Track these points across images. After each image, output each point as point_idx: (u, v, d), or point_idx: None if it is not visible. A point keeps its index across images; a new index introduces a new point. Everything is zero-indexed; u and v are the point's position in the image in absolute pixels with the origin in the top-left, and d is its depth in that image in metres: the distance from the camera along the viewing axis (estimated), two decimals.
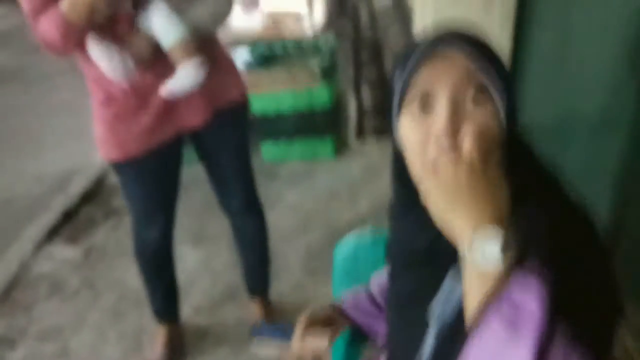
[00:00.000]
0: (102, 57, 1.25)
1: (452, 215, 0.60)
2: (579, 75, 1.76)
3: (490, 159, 0.65)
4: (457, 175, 0.62)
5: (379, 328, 1.04)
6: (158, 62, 1.32)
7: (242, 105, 1.56)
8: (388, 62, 4.36)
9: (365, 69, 4.67)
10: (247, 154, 1.64)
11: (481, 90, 0.67)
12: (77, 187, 2.85)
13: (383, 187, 2.61)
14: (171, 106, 1.39)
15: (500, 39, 2.38)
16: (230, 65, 1.54)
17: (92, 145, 3.07)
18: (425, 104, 0.68)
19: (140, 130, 1.40)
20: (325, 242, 2.28)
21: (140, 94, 1.36)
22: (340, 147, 3.01)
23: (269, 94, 2.78)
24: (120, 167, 1.47)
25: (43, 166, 3.18)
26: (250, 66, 2.86)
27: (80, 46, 1.27)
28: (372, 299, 1.07)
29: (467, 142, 0.64)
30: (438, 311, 0.71)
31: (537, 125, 1.87)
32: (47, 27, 1.22)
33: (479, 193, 0.60)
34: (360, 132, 3.28)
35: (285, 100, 2.79)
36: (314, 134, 2.89)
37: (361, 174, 2.78)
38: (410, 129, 0.70)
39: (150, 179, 1.50)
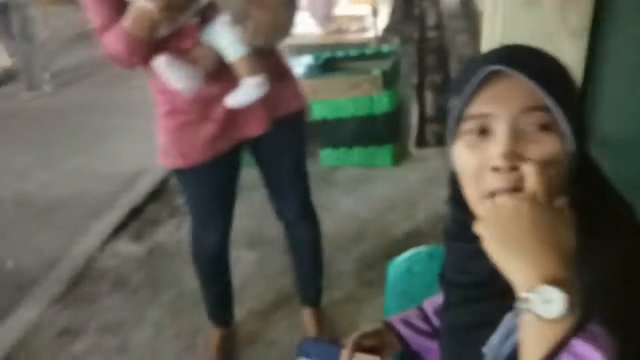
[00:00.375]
0: (169, 71, 1.29)
1: (510, 257, 0.55)
2: None
3: (555, 192, 0.59)
4: (518, 211, 0.56)
5: (431, 347, 1.00)
6: (221, 73, 1.34)
7: (301, 115, 1.57)
8: (454, 68, 4.25)
9: (429, 75, 4.57)
10: (303, 162, 1.64)
11: (545, 115, 0.62)
12: (144, 185, 2.97)
13: (441, 198, 2.54)
14: (233, 117, 1.41)
15: (575, 50, 2.26)
16: (290, 75, 1.55)
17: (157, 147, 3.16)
18: (483, 129, 0.64)
19: (203, 141, 1.43)
20: (381, 252, 2.25)
21: (203, 106, 1.40)
22: (400, 155, 2.96)
23: (330, 101, 2.78)
24: (182, 174, 1.52)
25: (113, 165, 3.35)
26: (312, 73, 2.88)
27: (146, 60, 1.31)
28: (425, 316, 1.04)
29: (530, 172, 0.59)
30: (494, 350, 0.67)
31: (612, 140, 1.76)
32: (113, 42, 1.27)
33: (543, 233, 0.55)
34: (421, 140, 3.22)
35: (346, 107, 2.78)
36: (373, 141, 2.86)
37: (420, 183, 2.72)
38: (466, 155, 0.66)
39: (210, 186, 1.54)
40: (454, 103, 0.68)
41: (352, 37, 3.31)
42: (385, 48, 3.04)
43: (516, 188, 0.60)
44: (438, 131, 3.55)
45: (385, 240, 2.34)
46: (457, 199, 0.73)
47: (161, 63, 1.28)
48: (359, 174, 2.86)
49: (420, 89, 4.05)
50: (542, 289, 0.52)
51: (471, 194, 0.67)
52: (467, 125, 0.66)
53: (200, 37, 1.32)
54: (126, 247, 2.53)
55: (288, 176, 1.62)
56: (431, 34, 5.65)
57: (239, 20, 1.29)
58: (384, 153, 2.88)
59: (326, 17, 1.26)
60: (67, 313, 2.14)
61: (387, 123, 2.83)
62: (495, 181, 0.62)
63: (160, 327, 2.03)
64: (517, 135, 0.62)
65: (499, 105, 0.63)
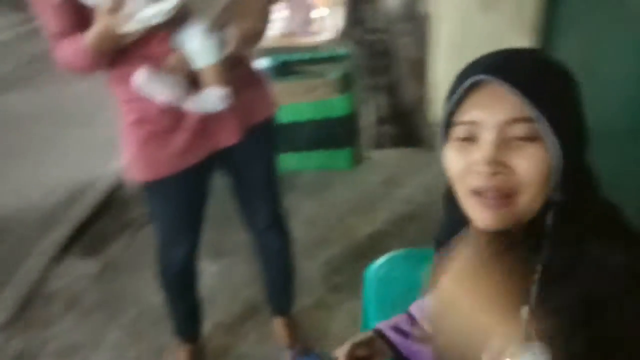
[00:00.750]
0: (152, 83, 1.20)
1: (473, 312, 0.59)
2: (606, 89, 1.71)
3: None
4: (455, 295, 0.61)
5: (422, 351, 0.99)
6: (196, 80, 1.28)
7: (272, 122, 1.52)
8: (400, 70, 4.32)
9: (378, 77, 4.62)
10: (275, 170, 1.60)
11: (530, 125, 0.63)
12: (92, 198, 2.81)
13: (402, 198, 2.57)
14: (205, 126, 1.34)
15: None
16: (261, 81, 1.50)
17: (104, 156, 3.03)
18: (471, 136, 0.67)
19: (174, 151, 1.35)
20: (347, 256, 2.23)
21: (174, 114, 1.31)
22: (358, 157, 2.96)
23: (288, 105, 2.73)
24: (150, 187, 1.42)
25: (56, 176, 3.14)
26: (268, 76, 2.83)
27: (107, 67, 1.23)
28: (413, 321, 1.03)
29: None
30: None
31: None
32: (70, 53, 1.20)
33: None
34: (377, 142, 3.24)
35: (304, 111, 2.75)
36: (332, 144, 2.85)
37: (379, 185, 2.73)
38: (454, 158, 0.70)
39: (181, 199, 1.46)
40: (445, 108, 0.71)
41: (305, 40, 3.29)
42: (339, 51, 3.04)
43: (498, 188, 0.64)
44: (392, 132, 3.59)
45: (349, 243, 2.32)
46: (449, 197, 0.76)
47: (142, 77, 1.20)
48: (318, 178, 2.84)
49: (371, 90, 4.09)
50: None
51: (459, 189, 0.71)
52: (456, 132, 0.69)
53: (171, 42, 1.24)
54: (77, 264, 2.39)
55: (261, 185, 1.57)
56: (377, 36, 5.73)
57: (216, 27, 1.23)
58: (342, 156, 2.88)
59: (306, 23, 1.24)
60: (18, 340, 1.98)
61: (344, 126, 2.83)
62: (479, 181, 0.66)
63: (120, 349, 1.91)
64: (502, 144, 0.64)
65: (485, 114, 0.66)
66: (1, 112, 4.38)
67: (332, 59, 3.00)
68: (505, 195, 0.65)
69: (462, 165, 0.68)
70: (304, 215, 2.53)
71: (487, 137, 0.65)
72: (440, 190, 0.81)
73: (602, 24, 1.81)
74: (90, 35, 1.16)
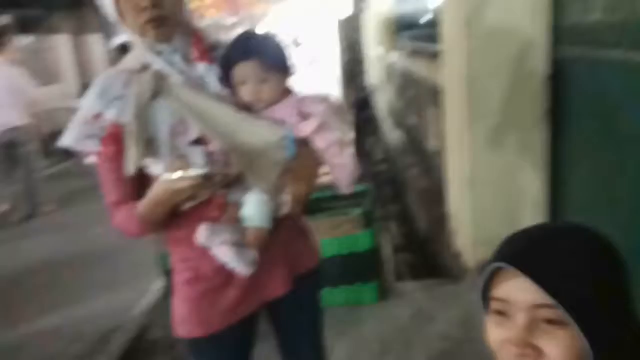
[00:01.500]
0: (228, 255, 1.26)
1: None
2: (624, 209, 1.78)
3: None
4: None
5: None
6: None
7: (317, 272, 1.57)
8: (409, 199, 4.48)
9: (389, 206, 4.77)
10: (321, 317, 1.62)
11: (554, 311, 0.65)
12: (118, 344, 2.76)
13: (437, 334, 2.54)
14: (255, 278, 1.38)
15: (538, 182, 2.46)
16: (306, 230, 1.58)
17: (129, 297, 3.00)
18: (505, 312, 0.71)
19: (226, 306, 1.39)
20: None
21: (227, 270, 1.35)
22: (383, 291, 2.97)
23: None
24: (198, 343, 1.43)
25: (81, 321, 3.10)
26: None
27: (167, 230, 1.31)
28: None
29: None
30: None
31: None
32: (124, 220, 1.30)
33: None
34: (398, 273, 3.28)
35: (329, 247, 2.82)
36: (357, 279, 2.88)
37: (410, 319, 2.71)
38: (492, 330, 0.73)
39: (229, 354, 1.47)
40: (479, 281, 0.76)
41: (324, 179, 3.45)
42: (358, 187, 3.19)
43: None
44: (410, 262, 3.63)
45: None
46: None
47: (222, 251, 1.26)
48: (346, 314, 2.82)
49: (384, 220, 4.20)
50: None
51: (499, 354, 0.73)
52: (493, 305, 0.73)
53: (228, 205, 1.31)
54: None
55: (306, 333, 1.59)
56: (381, 167, 6.01)
57: (272, 193, 1.30)
58: (368, 290, 2.89)
59: (350, 182, 1.34)
60: None
61: (369, 260, 2.88)
62: (513, 355, 0.69)
63: None
64: (532, 325, 0.67)
65: (514, 295, 0.69)
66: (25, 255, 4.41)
67: (354, 195, 3.13)
68: None
69: (498, 339, 0.71)
70: (337, 356, 2.47)
71: (518, 319, 0.68)
72: (474, 325, 0.84)
73: (611, 151, 1.92)
74: (145, 203, 1.25)
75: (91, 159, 1.32)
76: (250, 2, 9.37)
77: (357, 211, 2.86)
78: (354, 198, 3.11)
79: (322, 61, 8.59)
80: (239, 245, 1.27)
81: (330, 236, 2.82)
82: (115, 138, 1.27)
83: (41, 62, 6.72)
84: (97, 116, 1.27)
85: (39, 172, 5.06)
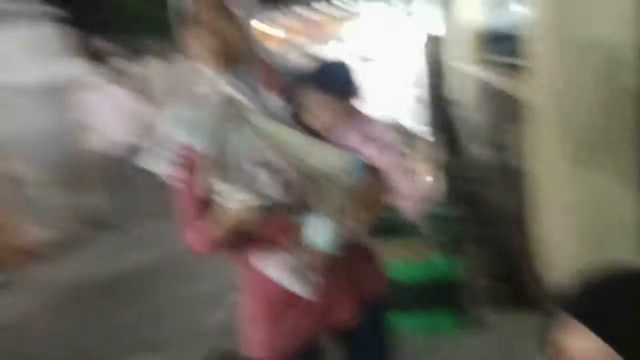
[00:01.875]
0: (280, 270, 1.28)
1: None
2: None
3: None
4: None
5: None
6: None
7: (386, 299, 1.55)
8: (497, 222, 4.25)
9: (475, 229, 4.55)
10: (390, 346, 1.58)
11: None
12: None
13: None
14: (321, 303, 1.39)
15: (632, 203, 2.26)
16: (374, 255, 1.55)
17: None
18: None
19: (293, 329, 1.40)
20: None
21: (292, 293, 1.37)
22: (465, 320, 2.83)
23: (392, 264, 2.74)
24: None
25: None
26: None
27: (236, 251, 1.33)
28: None
29: None
30: None
31: None
32: (195, 239, 1.34)
33: None
34: (482, 302, 3.10)
35: (408, 271, 2.74)
36: (437, 306, 2.77)
37: (490, 353, 2.54)
38: None
39: None
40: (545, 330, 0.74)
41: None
42: (442, 210, 3.09)
43: None
44: (494, 288, 3.42)
45: None
46: None
47: (281, 274, 1.28)
48: (426, 342, 2.69)
49: (467, 244, 4.01)
50: None
51: None
52: (550, 351, 0.72)
53: (299, 231, 1.32)
54: None
55: None
56: (466, 187, 5.78)
57: (337, 218, 1.30)
58: (448, 318, 2.77)
59: (416, 212, 1.32)
60: None
61: (448, 286, 2.76)
62: None
63: None
64: None
65: (573, 351, 0.67)
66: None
67: (435, 218, 3.03)
68: None
69: None
70: None
71: None
72: None
73: None
74: (213, 225, 1.28)
75: (166, 179, 1.38)
76: (324, 22, 9.52)
77: (442, 236, 2.76)
78: (437, 220, 3.01)
79: (397, 79, 8.50)
80: (301, 269, 1.27)
81: (407, 259, 2.74)
82: (189, 162, 1.33)
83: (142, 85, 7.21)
84: (173, 141, 1.33)
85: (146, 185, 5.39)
